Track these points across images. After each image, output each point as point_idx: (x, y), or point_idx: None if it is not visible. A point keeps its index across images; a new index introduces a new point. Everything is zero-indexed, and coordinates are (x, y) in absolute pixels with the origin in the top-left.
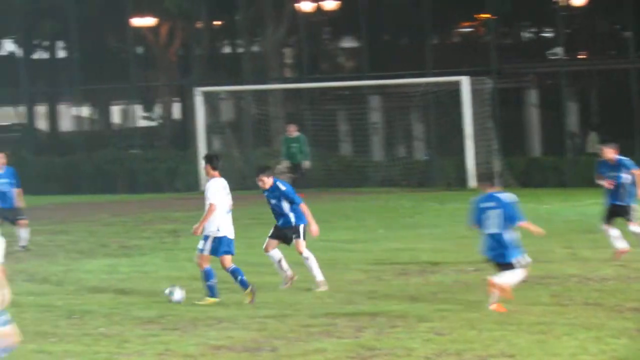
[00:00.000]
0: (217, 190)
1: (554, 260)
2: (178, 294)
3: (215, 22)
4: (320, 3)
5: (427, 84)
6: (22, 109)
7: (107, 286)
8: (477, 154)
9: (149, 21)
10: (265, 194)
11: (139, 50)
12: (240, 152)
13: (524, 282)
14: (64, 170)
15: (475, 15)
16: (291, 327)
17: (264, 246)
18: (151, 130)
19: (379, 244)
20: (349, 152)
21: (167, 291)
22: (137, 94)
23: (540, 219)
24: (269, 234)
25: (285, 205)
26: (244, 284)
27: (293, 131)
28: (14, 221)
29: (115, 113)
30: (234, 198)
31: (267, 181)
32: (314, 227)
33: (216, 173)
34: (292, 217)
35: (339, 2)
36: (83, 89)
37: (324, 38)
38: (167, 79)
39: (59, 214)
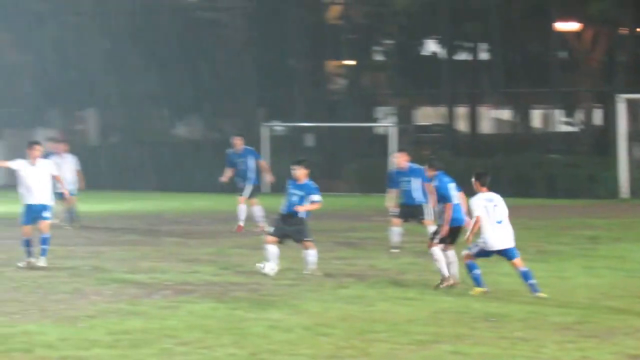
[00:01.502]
0: (479, 205)
1: None
2: (269, 267)
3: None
4: None
5: None
6: (442, 109)
7: (525, 290)
8: None
9: (572, 26)
10: (292, 185)
11: (562, 54)
12: None
13: None
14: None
15: None
16: None
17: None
18: (571, 135)
19: None
20: None
21: (259, 265)
22: (559, 99)
23: None
24: (273, 226)
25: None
26: (476, 279)
27: None
28: (420, 220)
29: (536, 117)
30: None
31: (302, 172)
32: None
33: (483, 189)
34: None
35: None
36: (504, 91)
37: None
38: (589, 84)
39: None
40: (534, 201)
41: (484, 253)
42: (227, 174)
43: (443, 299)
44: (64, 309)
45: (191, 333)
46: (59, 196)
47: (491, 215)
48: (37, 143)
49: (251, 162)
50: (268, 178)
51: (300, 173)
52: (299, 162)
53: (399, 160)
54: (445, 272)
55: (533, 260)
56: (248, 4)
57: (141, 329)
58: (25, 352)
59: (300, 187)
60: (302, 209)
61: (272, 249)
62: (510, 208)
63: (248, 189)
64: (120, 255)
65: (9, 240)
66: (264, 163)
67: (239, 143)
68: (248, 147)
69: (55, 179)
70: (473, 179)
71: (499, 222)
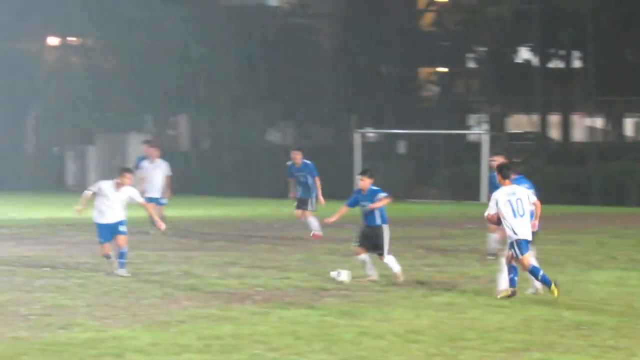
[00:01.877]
0: (501, 199)
1: None
2: (344, 275)
3: None
4: None
5: None
6: (535, 117)
7: (616, 299)
8: None
9: None
10: (359, 196)
11: None
12: None
13: None
14: (576, 180)
15: None
16: None
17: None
18: None
19: None
20: None
21: (333, 273)
22: None
23: None
24: (358, 237)
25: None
26: (545, 281)
27: None
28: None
29: (629, 125)
30: None
31: (367, 182)
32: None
33: (507, 182)
34: (377, 218)
35: None
36: (597, 100)
37: None
38: None
39: (568, 224)
40: (626, 210)
41: (523, 245)
42: (292, 189)
43: (533, 307)
44: (155, 313)
45: (282, 339)
46: (151, 200)
47: (515, 208)
48: (129, 171)
49: (310, 177)
50: (320, 200)
51: (365, 183)
52: (363, 173)
53: (495, 163)
54: (503, 285)
55: (624, 269)
56: (341, 11)
57: (232, 335)
58: (116, 357)
59: (366, 196)
60: (372, 206)
61: (363, 258)
62: (602, 216)
63: (312, 202)
64: (211, 260)
65: (96, 246)
66: (319, 182)
67: (298, 157)
68: (307, 162)
69: (142, 205)
70: (496, 173)
71: (522, 215)
